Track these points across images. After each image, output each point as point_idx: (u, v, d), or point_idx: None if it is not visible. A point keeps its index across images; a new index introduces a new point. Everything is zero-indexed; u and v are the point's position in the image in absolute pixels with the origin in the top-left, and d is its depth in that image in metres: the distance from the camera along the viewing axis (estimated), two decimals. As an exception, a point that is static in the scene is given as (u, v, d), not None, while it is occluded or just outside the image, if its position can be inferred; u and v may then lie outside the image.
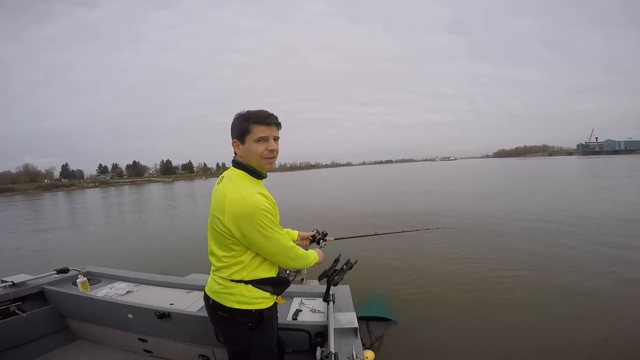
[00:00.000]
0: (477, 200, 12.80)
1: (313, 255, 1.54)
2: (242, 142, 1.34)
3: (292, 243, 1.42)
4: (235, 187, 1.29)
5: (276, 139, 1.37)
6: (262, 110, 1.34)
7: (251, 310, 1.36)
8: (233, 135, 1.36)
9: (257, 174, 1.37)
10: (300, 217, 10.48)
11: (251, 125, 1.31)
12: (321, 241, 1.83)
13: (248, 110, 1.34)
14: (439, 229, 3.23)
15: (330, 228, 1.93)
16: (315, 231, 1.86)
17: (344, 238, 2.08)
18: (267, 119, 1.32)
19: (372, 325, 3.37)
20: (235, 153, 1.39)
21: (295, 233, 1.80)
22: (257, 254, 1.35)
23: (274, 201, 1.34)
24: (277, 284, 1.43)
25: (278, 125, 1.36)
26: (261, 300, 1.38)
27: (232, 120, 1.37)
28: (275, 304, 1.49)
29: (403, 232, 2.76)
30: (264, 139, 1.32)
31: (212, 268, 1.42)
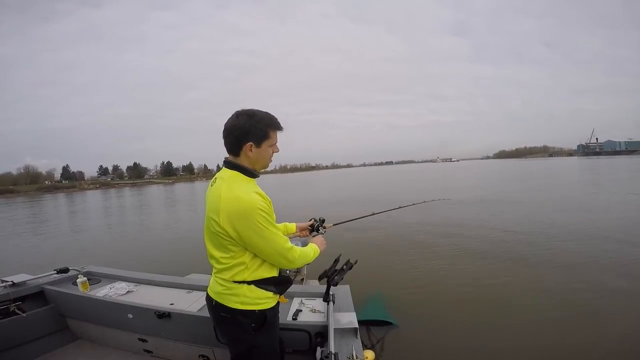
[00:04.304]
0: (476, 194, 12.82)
1: (313, 250, 1.50)
2: (259, 146, 1.32)
3: (290, 244, 1.38)
4: (230, 187, 1.28)
5: None
6: (270, 114, 1.36)
7: (254, 310, 1.35)
8: (250, 138, 1.30)
9: (251, 173, 1.36)
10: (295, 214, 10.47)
11: (271, 130, 1.34)
12: (320, 228, 1.80)
13: (253, 110, 1.32)
14: (434, 201, 3.44)
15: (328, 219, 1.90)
16: (313, 220, 1.84)
17: (342, 222, 2.06)
18: (280, 125, 1.38)
19: (372, 327, 3.35)
20: (235, 153, 1.34)
21: (292, 225, 1.78)
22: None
23: (270, 200, 1.33)
24: (279, 284, 1.43)
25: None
26: (264, 300, 1.38)
27: (238, 119, 1.30)
28: (278, 303, 1.48)
29: (400, 207, 2.75)
30: (274, 144, 1.38)
31: (214, 270, 1.41)
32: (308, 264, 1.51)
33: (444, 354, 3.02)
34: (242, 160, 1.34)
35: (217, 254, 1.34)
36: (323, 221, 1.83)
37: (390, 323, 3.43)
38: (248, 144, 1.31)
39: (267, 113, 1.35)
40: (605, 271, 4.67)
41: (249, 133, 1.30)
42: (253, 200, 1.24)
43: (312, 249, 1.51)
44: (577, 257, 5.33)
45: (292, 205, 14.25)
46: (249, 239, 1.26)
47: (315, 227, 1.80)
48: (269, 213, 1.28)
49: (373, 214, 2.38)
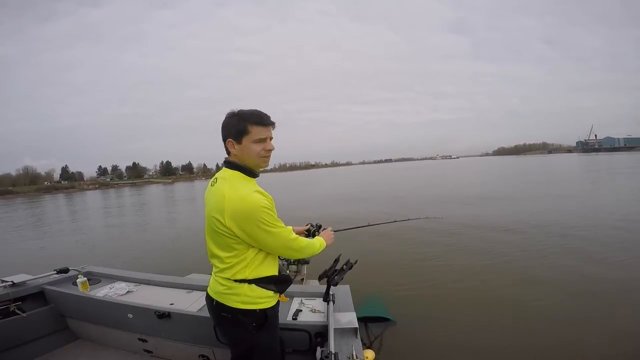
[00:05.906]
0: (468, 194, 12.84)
1: (319, 242, 1.54)
2: (239, 142, 1.33)
3: (295, 235, 1.41)
4: (232, 187, 1.29)
5: (271, 138, 1.38)
6: (257, 110, 1.34)
7: (255, 310, 1.36)
8: (229, 135, 1.34)
9: (251, 173, 1.38)
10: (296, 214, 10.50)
11: (249, 125, 1.31)
12: (316, 233, 1.80)
13: (241, 110, 1.34)
14: (428, 218, 3.57)
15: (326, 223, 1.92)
16: (310, 225, 1.85)
17: (339, 230, 2.05)
18: (266, 120, 1.34)
19: (371, 325, 3.37)
20: (228, 152, 1.38)
21: (289, 229, 1.79)
22: (260, 250, 1.36)
23: (271, 197, 1.35)
24: (279, 282, 1.44)
25: (273, 125, 1.38)
26: (265, 299, 1.38)
27: (224, 119, 1.35)
28: (278, 302, 1.49)
29: (395, 221, 2.89)
30: (262, 140, 1.34)
31: (215, 270, 1.42)
32: (314, 255, 1.54)
33: (443, 351, 3.03)
34: (233, 158, 1.37)
35: (221, 253, 1.35)
36: (320, 227, 1.84)
37: (388, 319, 3.45)
38: (228, 141, 1.34)
39: (252, 110, 1.34)
40: (607, 270, 4.67)
41: (227, 130, 1.34)
42: (256, 199, 1.27)
43: (318, 241, 1.55)
44: (577, 255, 5.33)
45: (291, 207, 14.23)
46: (256, 236, 1.28)
47: (311, 233, 1.81)
48: (272, 210, 1.31)
49: (369, 225, 2.58)
